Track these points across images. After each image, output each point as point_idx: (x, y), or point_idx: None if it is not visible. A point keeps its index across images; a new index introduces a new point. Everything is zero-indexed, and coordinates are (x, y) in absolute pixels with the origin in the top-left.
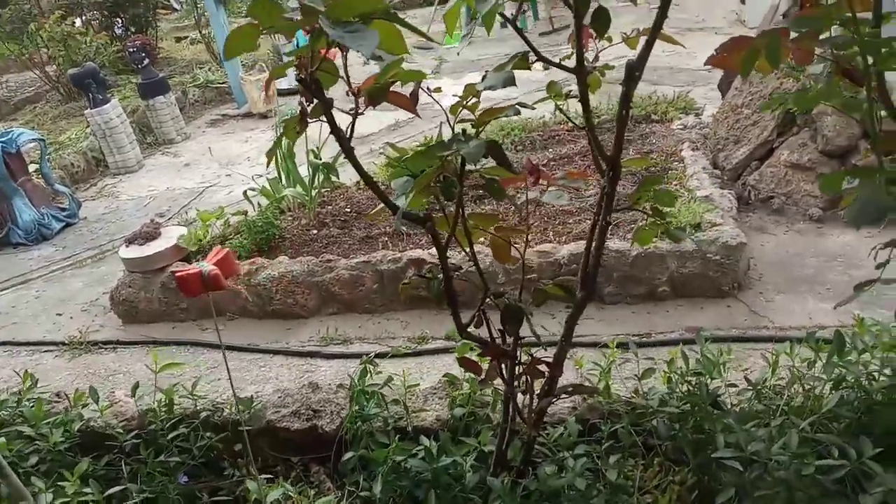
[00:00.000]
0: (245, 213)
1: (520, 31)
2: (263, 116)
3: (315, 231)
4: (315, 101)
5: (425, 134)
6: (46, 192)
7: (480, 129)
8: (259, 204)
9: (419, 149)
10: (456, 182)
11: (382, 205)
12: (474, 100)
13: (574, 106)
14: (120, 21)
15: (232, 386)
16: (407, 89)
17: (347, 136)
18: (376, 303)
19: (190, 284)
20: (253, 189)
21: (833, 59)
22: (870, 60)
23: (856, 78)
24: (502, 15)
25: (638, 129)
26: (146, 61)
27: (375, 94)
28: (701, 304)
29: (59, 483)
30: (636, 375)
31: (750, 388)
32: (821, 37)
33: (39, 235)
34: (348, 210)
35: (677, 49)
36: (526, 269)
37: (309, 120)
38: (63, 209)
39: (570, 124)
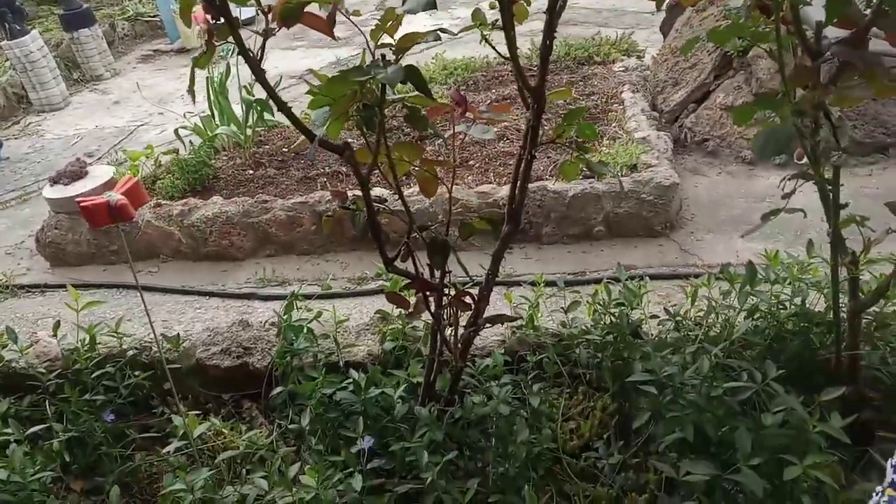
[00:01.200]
0: (176, 151)
1: None
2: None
3: (251, 171)
4: (221, 20)
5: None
6: None
7: (401, 56)
8: (192, 143)
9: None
10: (375, 111)
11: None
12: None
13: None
14: None
15: (151, 323)
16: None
17: (259, 58)
18: (315, 244)
19: (96, 215)
20: (185, 128)
21: None
22: None
23: (769, 11)
24: None
25: (580, 71)
26: None
27: (289, 14)
28: (635, 244)
29: None
30: (562, 308)
31: (668, 318)
32: None
33: None
34: (285, 150)
35: None
36: (465, 209)
37: (216, 42)
38: None
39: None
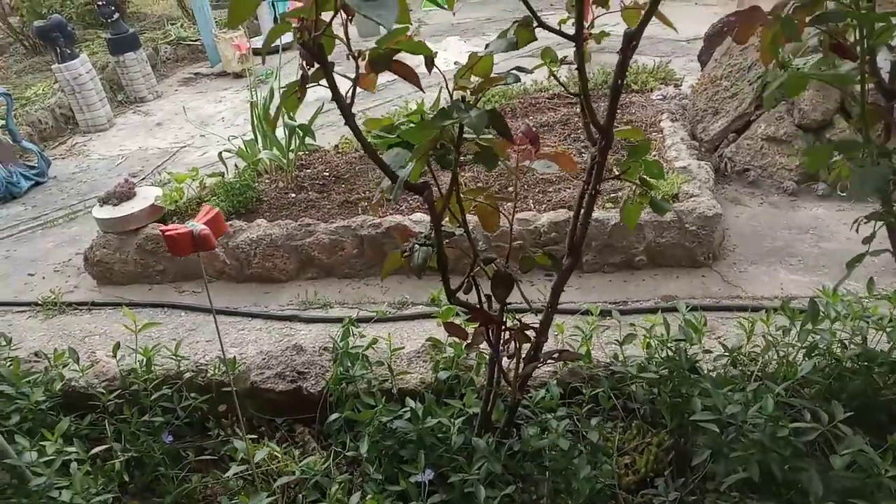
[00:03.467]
0: (222, 174)
1: None
2: (238, 76)
3: (293, 194)
4: (315, 65)
5: (405, 98)
6: (14, 149)
7: (480, 97)
8: (236, 166)
9: (410, 121)
10: (452, 151)
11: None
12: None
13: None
14: None
15: (222, 346)
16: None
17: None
18: (356, 267)
19: (180, 244)
20: (228, 151)
21: (827, 31)
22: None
23: (846, 52)
24: None
25: (619, 99)
26: (116, 15)
27: (379, 60)
28: (676, 274)
29: (42, 442)
30: (617, 341)
31: (726, 354)
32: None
33: (8, 194)
34: (326, 174)
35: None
36: (507, 237)
37: (309, 85)
38: (32, 167)
39: (550, 93)
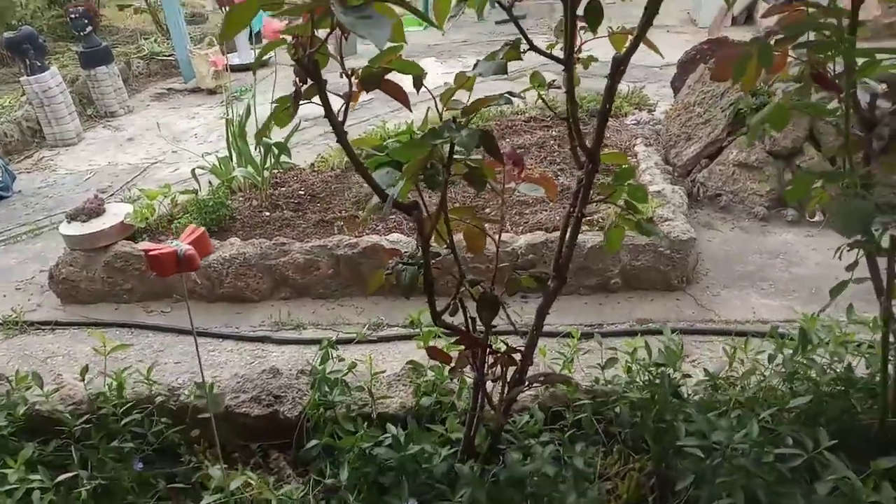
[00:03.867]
0: (196, 192)
1: (514, 19)
2: (212, 92)
3: (267, 213)
4: (308, 82)
5: (381, 117)
6: None
7: (471, 118)
8: (210, 182)
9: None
10: (441, 171)
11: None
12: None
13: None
14: None
15: (201, 369)
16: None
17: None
18: (331, 288)
19: (163, 264)
20: (201, 168)
21: (808, 62)
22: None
23: (827, 83)
24: (499, 3)
25: (592, 123)
26: (89, 28)
27: (370, 79)
28: (651, 297)
29: (3, 470)
30: (599, 364)
31: (707, 378)
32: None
33: None
34: (302, 192)
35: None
36: (484, 258)
37: (301, 102)
38: None
39: (527, 115)
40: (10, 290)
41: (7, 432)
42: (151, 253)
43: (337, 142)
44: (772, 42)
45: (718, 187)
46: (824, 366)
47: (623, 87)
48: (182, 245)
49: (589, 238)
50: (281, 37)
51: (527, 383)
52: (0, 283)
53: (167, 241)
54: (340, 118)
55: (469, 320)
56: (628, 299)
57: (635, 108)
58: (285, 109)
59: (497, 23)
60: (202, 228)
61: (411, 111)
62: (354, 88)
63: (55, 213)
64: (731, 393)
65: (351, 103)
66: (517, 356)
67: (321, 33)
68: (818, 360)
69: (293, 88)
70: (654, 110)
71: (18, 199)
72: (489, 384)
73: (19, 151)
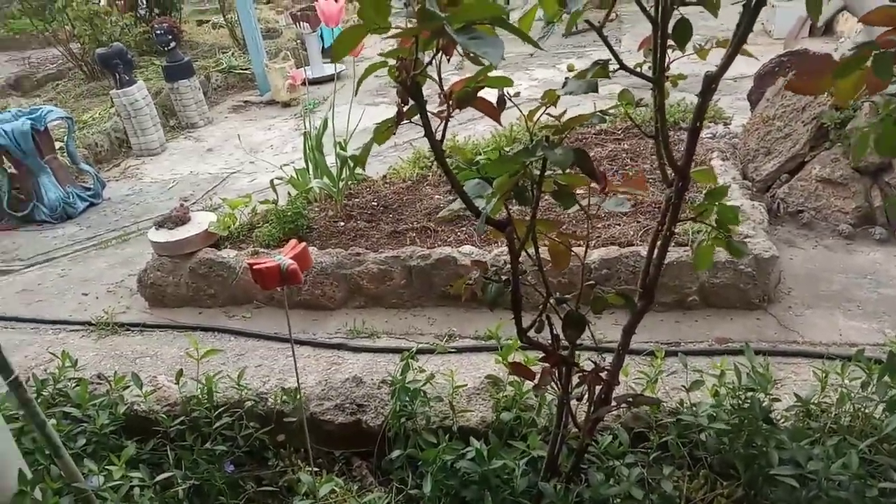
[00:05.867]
0: (275, 202)
1: (605, 40)
2: (286, 105)
3: (342, 223)
4: (410, 102)
5: (451, 131)
6: (71, 170)
7: (565, 135)
8: (288, 193)
9: (492, 153)
10: (530, 188)
11: (455, 202)
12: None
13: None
14: (144, 2)
15: (297, 376)
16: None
17: (441, 139)
18: (403, 298)
19: (268, 278)
20: (279, 178)
21: None
22: None
23: None
24: (588, 22)
25: (673, 135)
26: (173, 44)
27: (464, 97)
28: (730, 316)
29: (108, 467)
30: (683, 386)
31: (798, 403)
32: None
33: (64, 214)
34: (375, 203)
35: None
36: (561, 273)
37: (405, 121)
38: (87, 188)
39: (598, 129)
40: (102, 293)
41: (109, 430)
42: (256, 267)
43: (434, 159)
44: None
45: (800, 203)
46: None
47: (696, 99)
48: (285, 259)
49: (667, 254)
50: (382, 59)
51: (613, 403)
52: (92, 285)
53: (270, 255)
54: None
55: (553, 337)
56: (706, 317)
57: (710, 122)
58: (387, 129)
59: (564, 35)
60: (304, 243)
61: (502, 125)
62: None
63: (142, 220)
64: (825, 420)
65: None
66: (603, 375)
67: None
68: None
69: (395, 109)
70: (730, 123)
71: (108, 205)
72: (572, 403)
73: (108, 160)
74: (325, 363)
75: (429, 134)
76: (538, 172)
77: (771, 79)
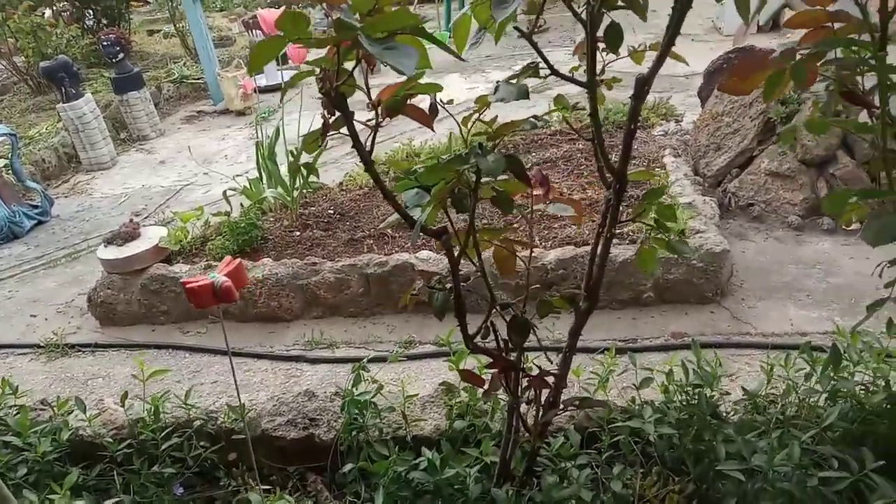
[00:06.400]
0: (228, 213)
1: (535, 46)
2: (241, 114)
3: (298, 233)
4: (336, 113)
5: (408, 134)
6: (17, 188)
7: (497, 143)
8: (242, 204)
9: (428, 161)
10: (468, 195)
11: (391, 216)
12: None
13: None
14: (91, 13)
15: (238, 392)
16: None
17: (370, 150)
18: (362, 306)
19: (200, 297)
20: (232, 189)
21: (837, 79)
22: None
23: (858, 100)
24: (518, 29)
25: (619, 135)
26: (121, 55)
27: (394, 106)
28: (685, 310)
29: (50, 496)
30: (634, 385)
31: (745, 397)
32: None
33: (10, 234)
34: (331, 212)
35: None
36: (514, 274)
37: (330, 133)
38: (34, 206)
39: (552, 129)
40: (52, 314)
41: (52, 457)
42: (189, 286)
43: (365, 170)
44: (800, 56)
45: (750, 197)
46: (866, 383)
47: (649, 98)
48: (219, 277)
49: (620, 252)
50: (306, 67)
51: (561, 406)
52: (41, 306)
53: (206, 274)
54: (368, 147)
55: (501, 342)
56: (662, 313)
57: (662, 119)
58: (314, 140)
59: (519, 37)
60: (238, 260)
61: (434, 131)
62: (380, 117)
63: (92, 237)
64: (772, 412)
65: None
66: (550, 379)
67: (347, 64)
68: (860, 378)
69: (321, 120)
70: (682, 120)
71: (56, 223)
72: (523, 406)
73: (56, 176)
74: (283, 376)
75: (357, 145)
76: (475, 179)
77: (719, 76)
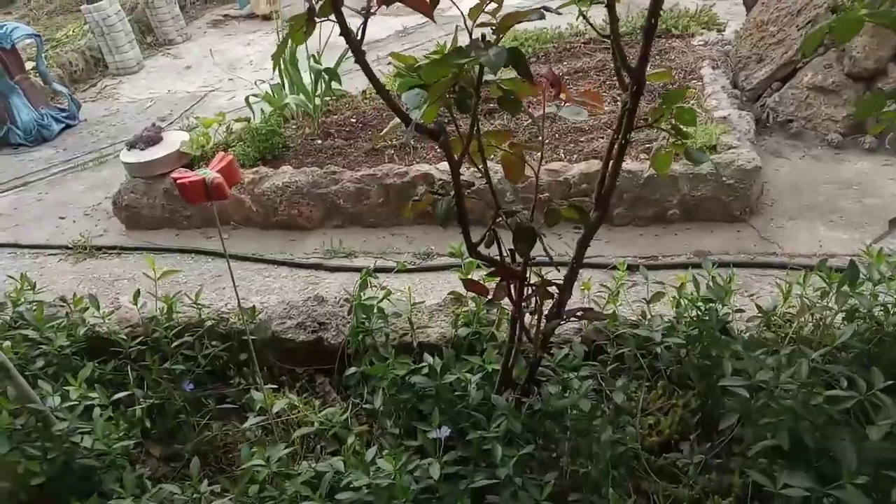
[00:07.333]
0: (248, 120)
1: None
2: (266, 18)
3: (319, 141)
4: None
5: (437, 41)
6: (45, 91)
7: (501, 36)
8: (263, 111)
9: (433, 56)
10: (472, 93)
11: (393, 120)
12: (493, 4)
13: (597, 16)
14: None
15: (237, 296)
16: None
17: (358, 38)
18: (381, 217)
19: (192, 192)
20: (255, 95)
21: None
22: None
23: None
24: None
25: (657, 44)
26: None
27: None
28: (711, 228)
29: (65, 387)
30: (645, 299)
31: (759, 315)
32: None
33: (39, 136)
34: (353, 120)
35: None
36: (534, 187)
37: (317, 19)
38: (62, 110)
39: (587, 37)
40: (79, 216)
41: (69, 352)
42: (180, 181)
43: (355, 61)
44: None
45: (790, 113)
46: (888, 304)
47: (691, 5)
48: (210, 174)
49: (645, 167)
50: None
51: (564, 317)
52: (69, 209)
53: (198, 170)
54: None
55: (508, 252)
56: (686, 231)
57: (703, 28)
58: (300, 28)
59: None
60: (231, 155)
61: (435, 22)
62: (373, 3)
63: (119, 141)
64: (785, 330)
65: (405, 27)
66: (554, 289)
67: None
68: (882, 299)
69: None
70: (724, 30)
71: (84, 127)
72: (529, 317)
73: (84, 80)
74: (303, 283)
75: (344, 32)
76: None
77: None
